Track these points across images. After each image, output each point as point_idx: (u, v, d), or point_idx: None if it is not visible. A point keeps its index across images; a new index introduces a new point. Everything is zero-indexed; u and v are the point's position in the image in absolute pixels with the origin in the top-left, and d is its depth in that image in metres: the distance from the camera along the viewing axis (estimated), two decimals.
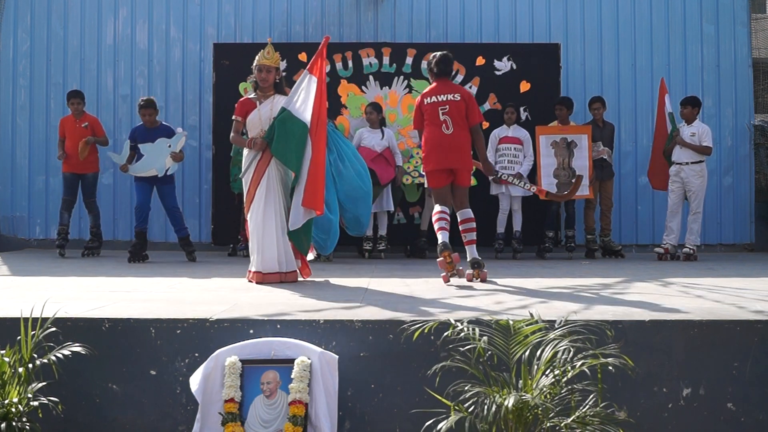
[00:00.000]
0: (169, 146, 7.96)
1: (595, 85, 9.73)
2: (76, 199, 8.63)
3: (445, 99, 5.94)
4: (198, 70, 9.77)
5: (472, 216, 6.00)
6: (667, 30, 9.89)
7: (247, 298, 4.82)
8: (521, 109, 9.04)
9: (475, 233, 5.94)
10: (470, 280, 5.87)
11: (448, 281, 5.77)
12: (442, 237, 5.82)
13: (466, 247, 5.93)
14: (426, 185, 6.34)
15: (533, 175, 8.66)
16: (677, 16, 9.91)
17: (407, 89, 9.07)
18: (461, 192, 6.01)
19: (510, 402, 3.00)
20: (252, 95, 5.96)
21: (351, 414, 3.77)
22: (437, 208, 5.95)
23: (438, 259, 5.88)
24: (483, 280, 5.87)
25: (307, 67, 5.86)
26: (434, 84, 6.08)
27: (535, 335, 3.31)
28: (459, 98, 5.94)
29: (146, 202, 8.07)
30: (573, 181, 8.55)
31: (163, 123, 8.34)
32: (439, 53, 6.10)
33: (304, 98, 5.73)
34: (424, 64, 9.04)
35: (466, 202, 6.01)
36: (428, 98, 6.00)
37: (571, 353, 3.21)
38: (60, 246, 8.49)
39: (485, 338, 3.31)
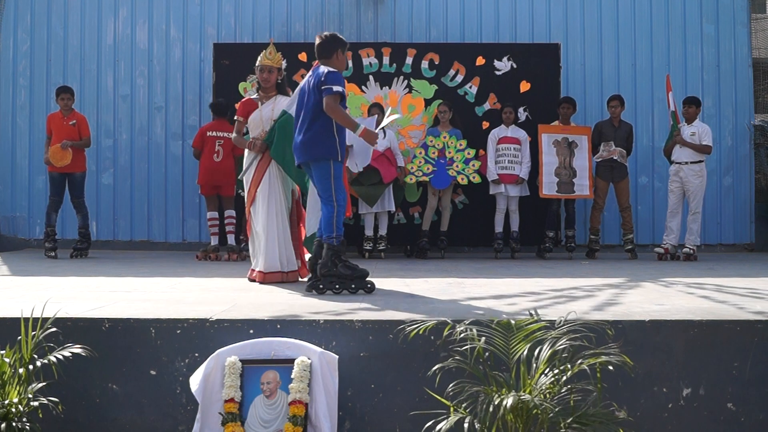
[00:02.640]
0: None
1: (595, 85, 9.73)
2: (63, 199, 8.45)
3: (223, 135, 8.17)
4: (198, 70, 9.77)
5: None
6: (667, 30, 9.89)
7: (247, 298, 4.83)
8: (521, 109, 9.04)
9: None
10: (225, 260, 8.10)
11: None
12: (215, 240, 8.42)
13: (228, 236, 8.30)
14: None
15: (534, 174, 8.67)
16: (677, 16, 9.90)
17: (407, 89, 9.07)
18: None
19: (509, 402, 3.00)
20: (254, 95, 5.96)
21: (351, 414, 3.77)
22: (211, 215, 8.44)
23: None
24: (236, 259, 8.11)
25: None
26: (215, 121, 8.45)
27: (535, 335, 3.30)
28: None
29: None
30: (574, 180, 8.57)
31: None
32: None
33: None
34: (424, 64, 9.07)
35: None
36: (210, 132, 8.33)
37: (571, 352, 3.21)
38: (48, 248, 8.28)
39: (485, 338, 3.31)
